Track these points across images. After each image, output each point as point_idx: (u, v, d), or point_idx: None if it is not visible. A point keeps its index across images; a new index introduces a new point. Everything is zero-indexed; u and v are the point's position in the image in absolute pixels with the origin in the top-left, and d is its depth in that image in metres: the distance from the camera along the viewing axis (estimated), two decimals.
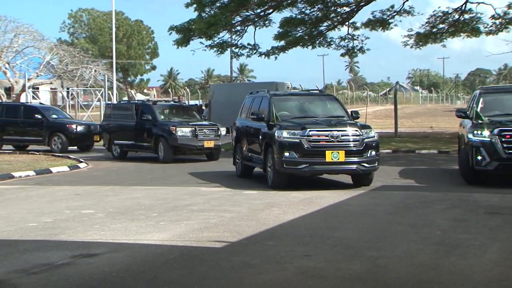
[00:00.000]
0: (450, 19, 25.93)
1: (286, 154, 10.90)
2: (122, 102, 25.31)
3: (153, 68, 77.08)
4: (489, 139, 11.16)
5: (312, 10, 25.67)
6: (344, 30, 27.39)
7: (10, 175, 13.95)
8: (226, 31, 25.57)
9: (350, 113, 12.41)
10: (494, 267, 5.84)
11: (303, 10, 25.57)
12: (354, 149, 10.98)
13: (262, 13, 25.64)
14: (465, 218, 8.32)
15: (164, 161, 16.96)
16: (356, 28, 26.87)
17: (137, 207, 9.48)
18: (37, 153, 19.83)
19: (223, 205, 9.66)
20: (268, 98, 12.43)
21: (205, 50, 25.58)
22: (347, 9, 26.11)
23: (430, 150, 19.72)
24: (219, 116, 22.85)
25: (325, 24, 26.48)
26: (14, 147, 22.30)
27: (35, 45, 36.27)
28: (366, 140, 11.10)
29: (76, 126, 21.44)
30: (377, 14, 26.03)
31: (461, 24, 25.56)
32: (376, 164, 11.33)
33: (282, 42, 26.02)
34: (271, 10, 25.61)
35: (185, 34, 24.60)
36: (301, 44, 26.45)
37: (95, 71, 37.88)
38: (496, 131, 11.14)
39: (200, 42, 25.18)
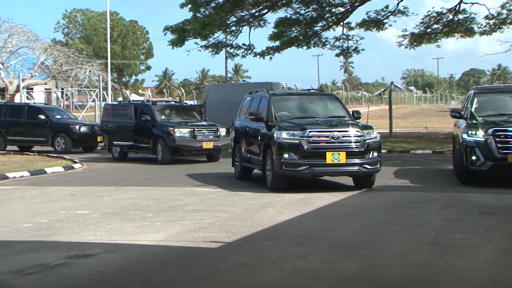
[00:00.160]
0: (444, 20, 26.02)
1: (286, 155, 10.64)
2: (121, 102, 24.79)
3: (148, 68, 77.02)
4: (483, 139, 11.20)
5: (307, 10, 25.72)
6: (338, 30, 27.45)
7: (4, 175, 13.90)
8: (221, 31, 25.57)
9: (351, 113, 12.12)
10: (488, 267, 5.86)
11: (298, 10, 25.61)
12: (356, 150, 10.69)
13: (257, 14, 25.66)
14: (460, 218, 8.35)
15: (163, 162, 16.74)
16: (351, 29, 26.93)
17: (132, 208, 9.47)
18: (32, 154, 19.79)
19: (218, 205, 9.65)
20: (267, 98, 12.19)
21: (200, 51, 25.61)
22: (342, 9, 26.16)
23: (425, 150, 19.77)
24: (214, 116, 22.83)
25: (320, 24, 26.52)
26: (19, 148, 22.10)
27: (29, 45, 36.20)
28: (368, 141, 10.82)
29: (80, 127, 21.22)
30: (372, 14, 26.12)
31: (455, 24, 25.66)
32: (378, 166, 10.99)
33: (277, 43, 26.05)
34: (266, 11, 25.63)
35: (180, 34, 24.58)
36: (296, 44, 26.48)
37: (90, 71, 37.83)
38: (490, 131, 11.18)
39: (195, 43, 25.21)
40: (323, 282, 5.44)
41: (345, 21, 26.59)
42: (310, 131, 10.68)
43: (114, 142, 18.34)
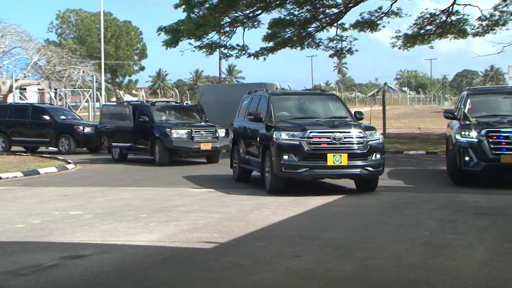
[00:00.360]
0: (438, 21, 26.13)
1: (285, 157, 10.29)
2: (120, 102, 24.39)
3: (142, 69, 76.94)
4: (476, 140, 11.25)
5: (300, 11, 25.77)
6: (332, 31, 27.52)
7: None
8: (215, 32, 25.58)
9: (353, 113, 11.80)
10: (481, 267, 5.88)
11: (291, 11, 25.66)
12: (358, 152, 10.35)
13: (250, 14, 25.68)
14: (453, 219, 8.38)
15: (160, 164, 16.43)
16: (345, 29, 27.02)
17: (126, 208, 9.45)
18: (25, 154, 19.72)
19: (212, 206, 9.65)
20: (266, 98, 11.88)
21: (194, 51, 25.61)
22: (336, 10, 26.22)
23: (418, 151, 19.83)
24: (208, 117, 22.77)
25: (314, 25, 26.58)
26: (24, 149, 21.93)
27: (22, 45, 36.04)
28: (370, 142, 10.48)
29: (84, 128, 21.00)
30: (365, 15, 26.21)
31: (448, 25, 25.77)
32: (381, 168, 10.71)
33: (271, 43, 26.09)
34: (259, 11, 25.66)
35: (173, 35, 24.55)
36: (289, 45, 26.52)
37: (83, 72, 37.72)
38: (483, 132, 11.23)
39: (189, 43, 25.20)
40: (317, 283, 5.45)
41: (338, 22, 26.67)
42: (310, 132, 10.36)
43: (113, 144, 17.90)
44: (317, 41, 27.15)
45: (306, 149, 10.29)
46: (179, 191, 11.54)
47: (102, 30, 37.86)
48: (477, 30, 25.56)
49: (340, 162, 10.23)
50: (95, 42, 64.46)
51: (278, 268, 5.89)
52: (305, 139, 10.31)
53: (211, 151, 16.94)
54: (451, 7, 25.59)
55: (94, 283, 5.47)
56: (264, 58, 26.46)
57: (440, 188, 11.54)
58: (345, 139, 10.36)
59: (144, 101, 20.54)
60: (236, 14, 25.50)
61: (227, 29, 25.88)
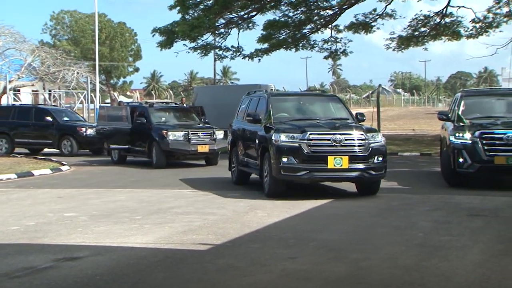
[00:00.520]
0: (432, 23, 26.20)
1: (284, 159, 10.02)
2: (118, 104, 24.06)
3: (136, 70, 76.89)
4: (470, 142, 11.28)
5: (295, 13, 25.78)
6: (327, 33, 27.58)
7: None
8: (210, 33, 25.57)
9: (354, 115, 11.55)
10: (475, 269, 5.90)
11: (286, 13, 25.66)
12: (359, 154, 10.08)
13: (245, 16, 25.68)
14: (447, 220, 8.40)
15: (157, 166, 16.18)
16: (339, 31, 27.05)
17: (120, 210, 9.43)
18: (19, 156, 19.65)
19: (207, 207, 9.64)
20: (265, 99, 11.62)
21: (188, 52, 25.60)
22: (330, 12, 26.26)
23: (413, 152, 19.88)
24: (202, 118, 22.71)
25: (309, 27, 26.61)
26: (28, 150, 21.75)
27: (16, 46, 35.91)
28: (372, 144, 10.21)
29: (86, 129, 20.70)
30: (360, 17, 26.24)
31: (442, 27, 25.86)
32: (384, 172, 10.41)
33: (266, 45, 26.08)
34: (254, 13, 25.66)
35: (168, 36, 24.52)
36: (284, 46, 26.53)
37: (78, 73, 37.62)
38: (477, 133, 11.27)
39: (184, 44, 25.16)
40: (312, 284, 5.46)
41: (333, 24, 26.70)
42: (310, 134, 10.09)
43: (111, 146, 17.68)
44: (312, 42, 27.18)
45: (306, 151, 10.03)
46: (174, 193, 11.52)
47: (97, 31, 37.79)
48: (470, 32, 25.68)
49: (341, 165, 9.97)
50: (89, 43, 64.36)
51: (273, 270, 5.89)
52: (305, 141, 10.06)
53: (209, 154, 16.67)
54: (445, 9, 25.68)
55: (89, 285, 5.46)
56: (259, 60, 26.48)
57: (434, 189, 11.57)
58: (346, 141, 10.11)
59: (143, 102, 20.28)
60: (231, 16, 25.52)
61: (222, 30, 25.88)
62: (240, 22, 25.72)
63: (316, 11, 26.11)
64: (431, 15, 26.12)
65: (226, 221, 8.42)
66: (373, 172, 10.22)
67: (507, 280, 5.58)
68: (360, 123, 11.21)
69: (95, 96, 37.36)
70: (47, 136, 21.01)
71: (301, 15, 25.90)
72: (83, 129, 20.81)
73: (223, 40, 26.18)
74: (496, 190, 11.29)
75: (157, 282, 5.56)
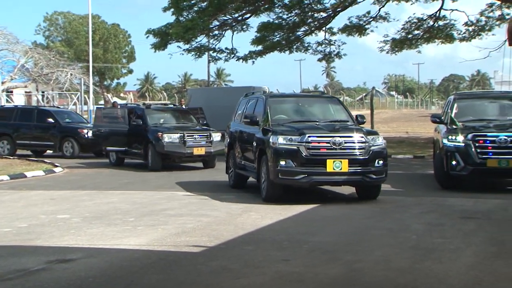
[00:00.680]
0: (425, 26, 26.32)
1: (282, 162, 9.75)
2: (120, 105, 23.62)
3: (130, 72, 76.61)
4: (463, 144, 11.33)
5: (289, 15, 25.83)
6: (321, 35, 27.61)
7: None
8: (204, 35, 25.59)
9: (354, 117, 11.33)
10: (468, 271, 5.92)
11: (280, 15, 25.71)
12: (360, 158, 9.82)
13: (239, 18, 25.70)
14: (441, 223, 8.42)
15: (152, 169, 15.86)
16: (333, 34, 27.12)
17: (113, 212, 9.41)
18: (11, 157, 19.55)
19: (200, 209, 9.62)
20: (263, 100, 11.35)
21: (182, 54, 25.56)
22: (324, 14, 26.32)
23: (406, 155, 19.93)
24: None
25: (302, 29, 26.65)
26: (32, 152, 21.55)
27: (9, 48, 35.84)
28: (373, 147, 9.95)
29: (87, 131, 20.26)
30: (354, 19, 26.33)
31: (436, 30, 25.99)
32: (384, 175, 10.16)
33: (260, 47, 26.13)
34: (248, 15, 25.70)
35: (162, 38, 24.50)
36: (278, 49, 26.58)
37: (71, 74, 37.58)
38: (470, 136, 11.31)
39: (178, 46, 25.14)
40: (305, 286, 5.46)
41: (327, 26, 26.76)
42: (309, 136, 9.83)
43: (107, 148, 17.45)
44: (306, 45, 27.23)
45: (304, 154, 9.78)
46: (168, 195, 11.48)
47: (90, 32, 37.67)
48: (463, 35, 25.84)
49: (341, 169, 9.72)
50: (83, 45, 64.16)
51: (267, 272, 5.89)
52: (304, 143, 9.80)
53: (205, 156, 16.38)
54: (438, 12, 25.80)
55: (81, 287, 5.44)
56: (253, 62, 26.53)
57: (427, 192, 11.60)
58: (345, 144, 9.85)
59: (141, 104, 20.06)
60: (225, 18, 25.52)
61: (216, 32, 25.88)
62: (234, 24, 25.74)
63: (310, 13, 26.17)
64: (425, 18, 26.26)
65: (219, 223, 8.41)
66: (374, 176, 9.99)
67: (499, 282, 5.61)
68: (360, 126, 11.03)
69: (88, 98, 37.27)
70: (48, 137, 20.80)
71: (295, 18, 25.95)
72: (85, 131, 20.43)
73: (217, 42, 26.22)
74: (488, 193, 11.34)
75: (150, 284, 5.55)
